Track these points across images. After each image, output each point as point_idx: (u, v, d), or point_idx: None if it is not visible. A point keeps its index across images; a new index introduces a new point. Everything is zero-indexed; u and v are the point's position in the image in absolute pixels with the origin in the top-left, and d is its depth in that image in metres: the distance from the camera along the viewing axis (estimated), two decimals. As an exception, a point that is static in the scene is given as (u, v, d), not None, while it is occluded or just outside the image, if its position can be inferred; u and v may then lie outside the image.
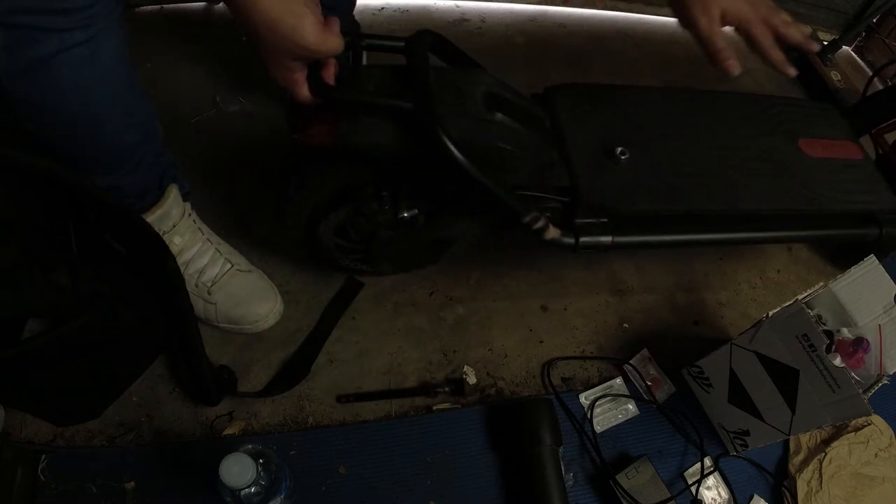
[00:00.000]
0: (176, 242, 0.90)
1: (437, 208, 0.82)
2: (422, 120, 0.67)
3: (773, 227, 0.96)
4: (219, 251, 0.95)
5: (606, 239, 0.83)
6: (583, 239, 0.82)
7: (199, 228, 0.95)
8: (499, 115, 0.77)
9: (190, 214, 0.93)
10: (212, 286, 0.92)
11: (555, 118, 0.90)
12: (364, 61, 0.74)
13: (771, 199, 0.92)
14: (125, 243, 0.71)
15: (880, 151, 1.12)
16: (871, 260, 0.84)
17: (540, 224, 0.77)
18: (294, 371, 0.93)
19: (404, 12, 1.47)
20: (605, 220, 0.84)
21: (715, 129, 0.98)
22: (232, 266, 0.94)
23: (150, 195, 0.85)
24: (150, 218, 0.85)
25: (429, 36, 0.77)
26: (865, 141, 1.13)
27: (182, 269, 0.88)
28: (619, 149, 0.87)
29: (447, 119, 0.70)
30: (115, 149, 0.76)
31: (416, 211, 0.80)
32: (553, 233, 0.79)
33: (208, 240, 0.95)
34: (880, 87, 1.69)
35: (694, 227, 0.91)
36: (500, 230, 0.89)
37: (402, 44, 0.75)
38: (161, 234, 0.87)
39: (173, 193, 0.87)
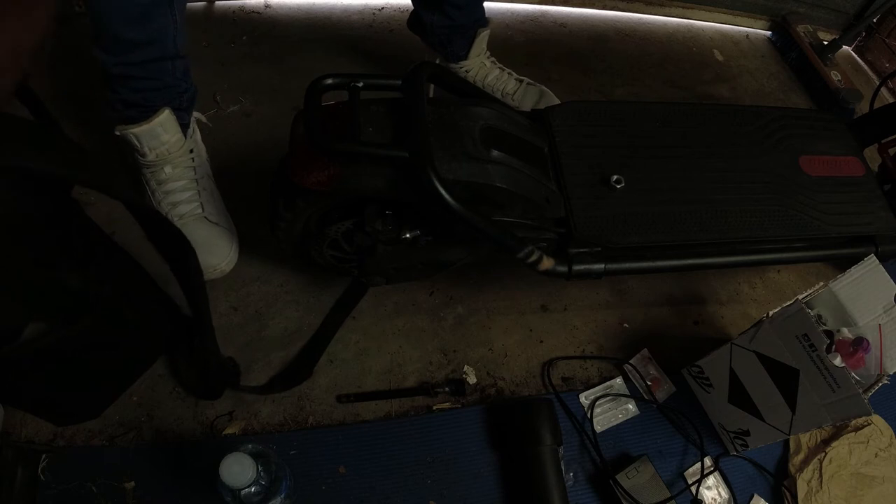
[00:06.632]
0: (166, 171, 0.96)
1: (437, 233, 0.83)
2: (417, 169, 0.69)
3: (767, 251, 0.95)
4: (199, 194, 0.99)
5: (599, 267, 0.84)
6: (576, 267, 0.83)
7: (195, 168, 1.00)
8: (496, 153, 0.78)
9: (191, 150, 0.98)
10: (177, 221, 0.96)
11: (553, 142, 0.91)
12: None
13: (765, 225, 0.92)
14: (154, 239, 0.72)
15: (889, 165, 1.11)
16: (871, 260, 0.84)
17: (534, 258, 0.79)
18: (297, 371, 0.93)
19: (404, 12, 1.47)
20: (599, 248, 0.85)
21: (714, 148, 0.97)
22: (202, 211, 0.99)
23: (136, 109, 0.90)
24: (135, 130, 0.91)
25: (426, 70, 0.78)
26: (871, 151, 1.11)
27: (161, 195, 0.97)
28: (615, 177, 0.88)
29: (443, 163, 0.71)
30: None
31: (419, 232, 0.81)
32: (547, 264, 0.81)
33: (196, 180, 0.99)
34: (887, 95, 1.70)
35: (685, 254, 0.91)
36: (495, 257, 0.91)
37: (399, 82, 0.76)
38: (149, 150, 0.94)
39: (164, 115, 0.91)
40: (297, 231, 0.84)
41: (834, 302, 0.84)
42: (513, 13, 1.60)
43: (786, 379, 0.81)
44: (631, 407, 0.98)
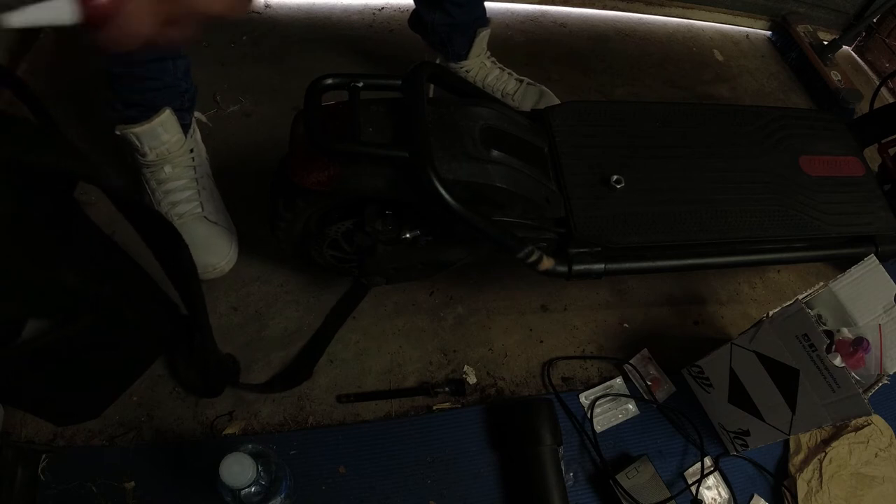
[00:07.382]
0: (166, 171, 0.97)
1: (437, 233, 0.83)
2: (417, 169, 0.69)
3: (767, 251, 0.95)
4: (198, 193, 1.00)
5: (599, 267, 0.85)
6: (576, 267, 0.83)
7: (195, 167, 1.00)
8: (496, 153, 0.78)
9: (191, 150, 0.99)
10: (176, 220, 0.97)
11: (553, 142, 0.91)
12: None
13: (765, 225, 0.92)
14: (140, 230, 0.71)
15: (889, 165, 1.11)
16: (871, 260, 0.84)
17: (534, 258, 0.79)
18: (297, 371, 0.93)
19: (404, 12, 1.47)
20: (599, 248, 0.86)
21: (714, 148, 0.97)
22: (202, 211, 0.99)
23: (136, 109, 0.91)
24: (135, 130, 0.91)
25: (426, 70, 0.78)
26: (871, 151, 1.11)
27: (161, 194, 0.98)
28: (615, 177, 0.88)
29: (443, 163, 0.71)
30: None
31: (419, 232, 0.81)
32: (547, 264, 0.81)
33: (196, 180, 1.00)
34: (887, 95, 1.70)
35: (685, 254, 0.91)
36: (495, 257, 0.91)
37: (399, 82, 0.76)
38: (150, 149, 0.94)
39: (164, 115, 0.92)
40: (297, 231, 0.84)
41: (834, 302, 0.84)
42: (513, 13, 1.59)
43: (786, 379, 0.81)
44: (631, 407, 0.98)
